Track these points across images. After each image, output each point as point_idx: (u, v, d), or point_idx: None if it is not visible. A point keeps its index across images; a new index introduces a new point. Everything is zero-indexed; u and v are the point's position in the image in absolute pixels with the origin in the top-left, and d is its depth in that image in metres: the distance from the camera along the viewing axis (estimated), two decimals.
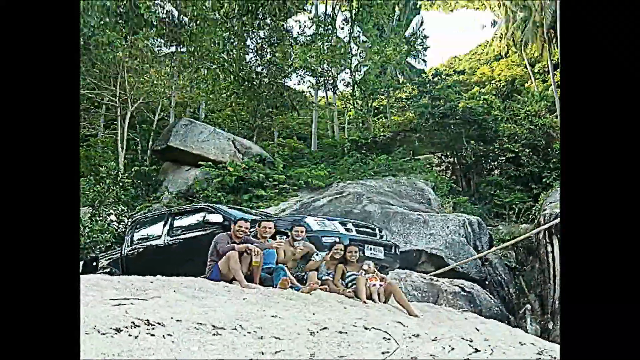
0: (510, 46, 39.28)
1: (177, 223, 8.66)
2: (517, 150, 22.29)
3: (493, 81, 44.83)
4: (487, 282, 12.99)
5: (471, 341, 4.15)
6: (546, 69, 38.09)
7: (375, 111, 32.80)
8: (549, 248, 13.49)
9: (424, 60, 38.19)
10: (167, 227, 8.65)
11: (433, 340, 3.99)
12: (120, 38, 21.16)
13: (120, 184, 16.39)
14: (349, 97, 29.69)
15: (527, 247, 15.19)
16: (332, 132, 30.69)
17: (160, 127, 24.41)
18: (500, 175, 22.65)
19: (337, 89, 30.01)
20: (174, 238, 8.49)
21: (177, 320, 3.62)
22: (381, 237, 8.18)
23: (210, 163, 18.13)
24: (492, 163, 24.00)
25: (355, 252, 6.61)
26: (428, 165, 21.98)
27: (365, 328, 4.10)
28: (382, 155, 20.96)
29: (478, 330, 5.19)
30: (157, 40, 26.06)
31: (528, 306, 12.94)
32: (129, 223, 10.58)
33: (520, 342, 4.47)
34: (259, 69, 27.56)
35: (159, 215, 9.41)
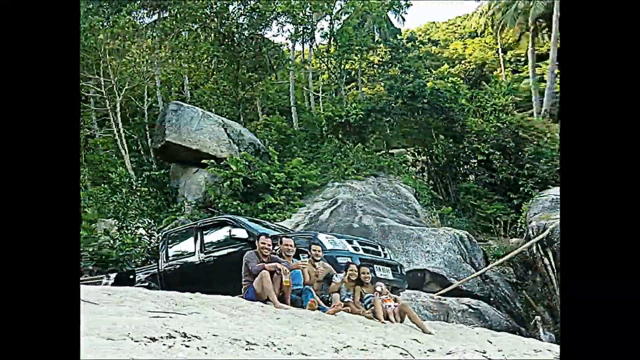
0: (488, 25, 36.95)
1: (206, 238, 8.57)
2: (487, 152, 21.17)
3: (463, 61, 43.16)
4: (492, 299, 12.62)
5: (484, 352, 4.07)
6: (520, 59, 36.03)
7: (348, 76, 31.70)
8: (546, 261, 12.97)
9: (403, 19, 36.13)
10: (198, 243, 8.57)
11: (447, 354, 3.94)
12: (102, 20, 20.15)
13: (138, 193, 16.03)
14: (324, 53, 28.48)
15: (523, 261, 14.74)
16: (308, 102, 29.99)
17: (152, 118, 23.63)
18: (476, 183, 21.72)
19: (315, 40, 28.73)
20: (208, 255, 8.40)
21: (214, 335, 3.54)
22: (385, 255, 8.04)
23: (213, 161, 18.02)
24: (465, 166, 22.99)
25: (368, 273, 6.59)
26: (404, 164, 21.46)
27: (384, 346, 4.07)
28: (358, 145, 20.74)
29: (490, 342, 5.11)
30: (139, 12, 24.99)
31: (538, 317, 12.51)
32: (160, 238, 10.44)
33: (535, 350, 4.39)
34: (241, 19, 26.16)
35: (187, 229, 9.29)
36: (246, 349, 3.40)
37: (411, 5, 37.89)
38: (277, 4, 25.95)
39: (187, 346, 3.14)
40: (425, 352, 3.97)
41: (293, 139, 23.88)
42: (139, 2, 24.78)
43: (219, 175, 17.62)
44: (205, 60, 26.92)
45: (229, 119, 22.05)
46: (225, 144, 19.25)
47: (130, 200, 15.18)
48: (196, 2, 23.61)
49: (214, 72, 27.76)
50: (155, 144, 20.49)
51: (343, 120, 22.70)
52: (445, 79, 26.77)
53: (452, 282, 12.39)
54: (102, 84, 20.94)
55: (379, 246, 8.24)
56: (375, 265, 7.24)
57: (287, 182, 17.59)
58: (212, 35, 25.60)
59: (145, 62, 22.70)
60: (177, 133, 19.16)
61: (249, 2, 25.86)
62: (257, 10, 25.50)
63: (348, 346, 3.87)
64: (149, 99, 25.37)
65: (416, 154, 24.32)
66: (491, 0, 35.23)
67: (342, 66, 27.93)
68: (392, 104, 22.72)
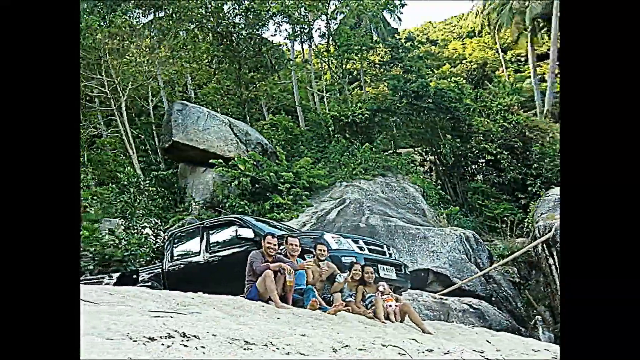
0: (485, 25, 36.79)
1: (212, 238, 8.57)
2: (494, 151, 21.19)
3: (464, 61, 43.13)
4: (493, 299, 12.55)
5: (482, 352, 4.06)
6: (520, 59, 35.81)
7: (350, 76, 31.51)
8: (550, 261, 12.86)
9: (399, 18, 36.58)
10: (204, 242, 8.56)
11: (445, 353, 3.93)
12: (98, 20, 20.20)
13: (146, 192, 16.16)
14: (324, 53, 28.33)
15: (527, 261, 14.72)
16: (313, 102, 29.87)
17: (158, 118, 23.74)
18: (484, 182, 21.79)
19: (313, 40, 28.68)
20: (213, 255, 8.41)
21: (213, 335, 3.54)
22: (390, 255, 8.03)
23: (221, 161, 18.09)
24: (473, 166, 23.02)
25: (372, 273, 6.60)
26: (411, 164, 21.48)
27: (383, 345, 4.05)
28: (365, 145, 20.74)
29: (489, 342, 5.09)
30: (135, 12, 24.97)
31: (539, 317, 12.44)
32: (167, 237, 10.40)
33: (533, 350, 4.37)
34: (237, 19, 26.28)
35: (194, 229, 9.27)
36: (244, 349, 3.41)
37: (406, 5, 37.40)
38: (271, 3, 25.98)
39: (186, 346, 3.15)
40: (424, 352, 3.97)
41: (300, 138, 23.95)
42: (133, 1, 24.83)
43: (227, 175, 17.70)
44: (206, 60, 27.01)
45: (235, 119, 22.09)
46: (232, 144, 19.26)
47: (138, 200, 15.19)
48: (191, 1, 23.65)
49: (216, 72, 27.85)
50: (163, 143, 20.58)
51: (349, 120, 22.73)
52: (448, 79, 26.68)
53: (455, 282, 12.34)
54: (105, 83, 20.99)
55: (384, 246, 8.23)
56: (379, 265, 7.25)
57: (295, 182, 17.64)
58: (210, 35, 25.68)
59: (146, 62, 22.80)
60: (184, 133, 19.24)
61: (243, 2, 25.95)
62: (252, 10, 25.50)
63: (346, 346, 3.87)
64: (154, 99, 25.48)
65: (424, 153, 24.36)
66: (486, 0, 35.10)
67: (344, 66, 27.88)
68: (397, 104, 22.73)
